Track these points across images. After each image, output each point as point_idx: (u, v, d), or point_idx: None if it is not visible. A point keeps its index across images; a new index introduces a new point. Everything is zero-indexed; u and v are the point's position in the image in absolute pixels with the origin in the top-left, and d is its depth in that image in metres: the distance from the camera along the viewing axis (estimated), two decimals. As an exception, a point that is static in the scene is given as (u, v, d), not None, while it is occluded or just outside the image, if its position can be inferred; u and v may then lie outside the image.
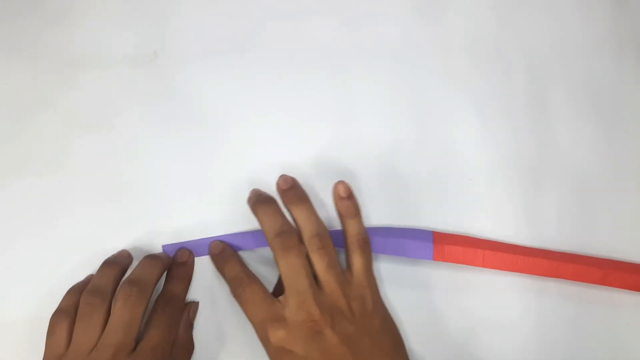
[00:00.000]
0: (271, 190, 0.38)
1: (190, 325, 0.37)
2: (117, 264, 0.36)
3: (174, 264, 0.38)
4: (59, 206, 0.40)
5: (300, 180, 0.38)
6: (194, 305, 0.37)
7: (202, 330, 0.37)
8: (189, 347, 0.36)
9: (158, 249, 0.39)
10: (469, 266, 0.37)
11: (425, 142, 0.42)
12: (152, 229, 0.39)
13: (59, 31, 0.43)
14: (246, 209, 0.37)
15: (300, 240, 0.34)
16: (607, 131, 0.43)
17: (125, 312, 0.32)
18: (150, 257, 0.36)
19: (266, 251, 0.38)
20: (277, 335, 0.31)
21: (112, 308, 0.33)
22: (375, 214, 0.40)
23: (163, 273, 0.36)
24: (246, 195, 0.38)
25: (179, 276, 0.37)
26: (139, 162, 0.41)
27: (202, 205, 0.40)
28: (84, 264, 0.38)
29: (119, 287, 0.34)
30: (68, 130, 0.41)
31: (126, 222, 0.40)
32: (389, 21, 0.45)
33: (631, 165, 0.42)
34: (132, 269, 0.36)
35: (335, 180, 0.37)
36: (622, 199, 0.41)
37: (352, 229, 0.35)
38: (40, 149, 0.41)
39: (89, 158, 0.41)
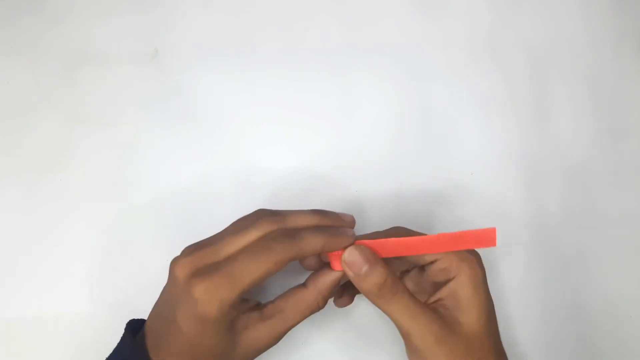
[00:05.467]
0: (272, 188, 0.37)
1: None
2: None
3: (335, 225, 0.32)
4: (61, 204, 0.40)
5: (301, 179, 0.38)
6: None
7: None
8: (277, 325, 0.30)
9: (159, 250, 0.39)
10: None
11: (427, 137, 0.42)
12: (152, 229, 0.39)
13: (60, 30, 0.43)
14: (247, 207, 0.37)
15: None
16: (607, 124, 0.43)
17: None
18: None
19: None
20: None
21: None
22: (376, 211, 0.40)
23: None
24: (246, 194, 0.38)
25: (326, 232, 0.30)
26: (140, 159, 0.41)
27: (203, 203, 0.40)
28: (86, 262, 0.38)
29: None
30: (70, 129, 0.41)
31: (128, 222, 0.39)
32: (389, 19, 0.45)
33: (631, 158, 0.42)
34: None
35: (336, 177, 0.37)
36: (622, 191, 0.42)
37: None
38: (41, 147, 0.41)
39: (90, 156, 0.41)
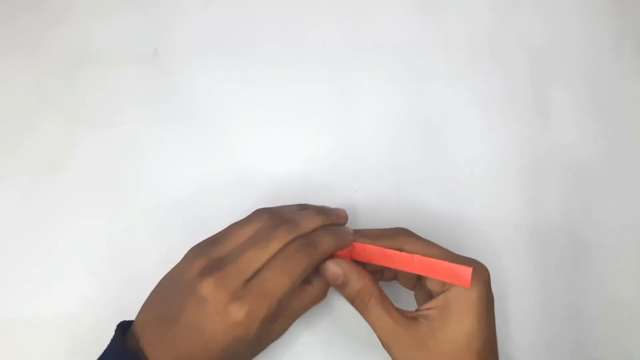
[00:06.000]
0: (271, 188, 0.37)
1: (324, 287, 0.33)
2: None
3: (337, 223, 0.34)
4: (61, 204, 0.40)
5: (301, 179, 0.38)
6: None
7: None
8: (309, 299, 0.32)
9: (159, 250, 0.39)
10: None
11: (427, 137, 0.42)
12: (152, 229, 0.39)
13: (60, 30, 0.43)
14: (247, 207, 0.37)
15: None
16: (607, 124, 0.43)
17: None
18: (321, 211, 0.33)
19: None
20: None
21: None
22: (375, 210, 0.40)
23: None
24: (246, 194, 0.38)
25: (335, 233, 0.32)
26: (140, 159, 0.41)
27: (203, 203, 0.40)
28: (86, 262, 0.38)
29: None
30: (70, 129, 0.41)
31: (127, 222, 0.39)
32: (389, 19, 0.45)
33: (631, 157, 0.42)
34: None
35: (336, 177, 0.37)
36: (622, 192, 0.42)
37: None
38: (41, 147, 0.41)
39: (90, 156, 0.41)
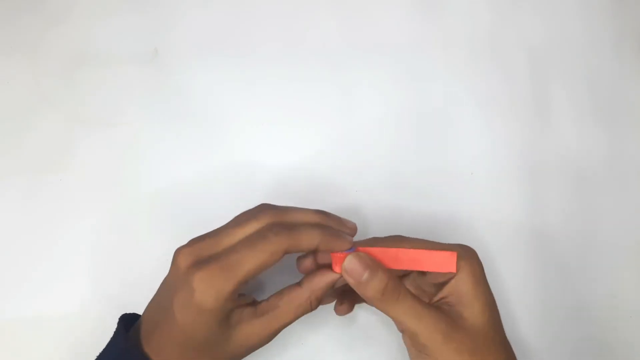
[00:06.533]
0: (271, 188, 0.37)
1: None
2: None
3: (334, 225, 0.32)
4: (61, 204, 0.40)
5: (300, 179, 0.38)
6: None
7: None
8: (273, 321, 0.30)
9: (159, 249, 0.38)
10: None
11: (427, 137, 0.42)
12: (152, 228, 0.39)
13: (60, 30, 0.44)
14: (247, 207, 0.37)
15: None
16: (606, 124, 0.43)
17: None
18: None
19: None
20: None
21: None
22: (375, 210, 0.40)
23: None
24: (246, 194, 0.38)
25: (325, 231, 0.30)
26: (140, 159, 0.41)
27: (203, 203, 0.40)
28: (86, 262, 0.38)
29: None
30: (70, 129, 0.41)
31: (127, 221, 0.39)
32: (389, 19, 0.45)
33: (631, 157, 0.42)
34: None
35: (336, 177, 0.37)
36: (622, 191, 0.42)
37: None
38: (41, 147, 0.41)
39: (90, 156, 0.41)
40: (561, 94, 0.44)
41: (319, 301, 0.31)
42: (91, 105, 0.42)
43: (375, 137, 0.42)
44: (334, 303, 0.36)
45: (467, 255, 0.31)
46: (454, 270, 0.30)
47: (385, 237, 0.33)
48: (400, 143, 0.42)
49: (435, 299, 0.31)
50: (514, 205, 0.41)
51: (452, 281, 0.31)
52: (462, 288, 0.30)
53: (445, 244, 0.32)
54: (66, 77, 0.42)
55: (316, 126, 0.42)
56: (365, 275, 0.29)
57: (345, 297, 0.36)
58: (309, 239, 0.29)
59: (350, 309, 0.36)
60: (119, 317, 0.31)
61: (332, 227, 0.31)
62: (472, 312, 0.30)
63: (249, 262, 0.28)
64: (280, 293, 0.31)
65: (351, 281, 0.30)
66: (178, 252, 0.29)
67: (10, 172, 0.40)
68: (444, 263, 0.30)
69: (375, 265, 0.30)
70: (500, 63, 0.44)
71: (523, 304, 0.39)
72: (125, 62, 0.43)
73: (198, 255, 0.28)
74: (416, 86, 0.43)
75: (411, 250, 0.30)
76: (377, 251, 0.31)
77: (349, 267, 0.30)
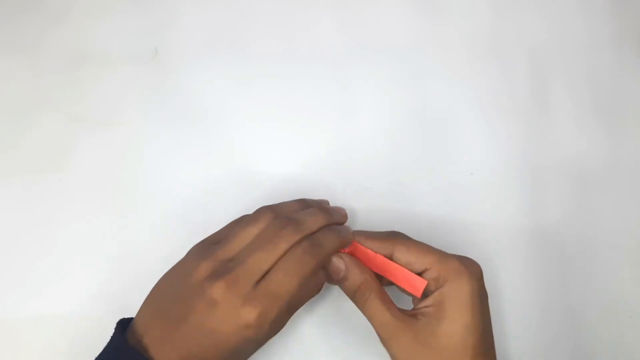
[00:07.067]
0: (271, 187, 0.37)
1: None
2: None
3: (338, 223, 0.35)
4: (60, 204, 0.40)
5: (301, 177, 0.38)
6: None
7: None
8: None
9: (159, 249, 0.39)
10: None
11: (427, 137, 0.42)
12: (152, 228, 0.39)
13: (59, 29, 0.43)
14: (246, 206, 0.37)
15: None
16: (607, 123, 0.43)
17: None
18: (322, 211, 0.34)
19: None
20: None
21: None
22: (375, 210, 0.40)
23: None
24: (246, 193, 0.38)
25: (339, 233, 0.33)
26: (140, 159, 0.41)
27: (202, 203, 0.40)
28: (86, 262, 0.38)
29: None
30: (69, 128, 0.41)
31: (127, 221, 0.39)
32: (389, 18, 0.45)
33: (631, 156, 0.42)
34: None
35: (336, 177, 0.37)
36: (623, 191, 0.42)
37: None
38: (41, 146, 0.41)
39: (90, 156, 0.41)
40: (561, 93, 0.44)
41: (322, 285, 0.34)
42: (91, 105, 0.42)
43: (375, 137, 0.42)
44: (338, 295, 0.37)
45: (461, 270, 0.30)
46: (418, 295, 0.32)
47: (385, 232, 0.34)
48: (400, 143, 0.42)
49: (419, 305, 0.31)
50: (514, 206, 0.41)
51: (436, 293, 0.30)
52: (444, 303, 0.30)
53: (449, 255, 0.31)
54: (66, 76, 0.42)
55: (316, 126, 0.42)
56: (342, 273, 0.32)
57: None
58: (332, 249, 0.32)
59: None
60: (116, 321, 0.31)
61: (336, 222, 0.34)
62: (446, 330, 0.29)
63: (292, 288, 0.29)
64: None
65: (333, 276, 0.33)
66: (211, 283, 0.29)
67: (10, 171, 0.40)
68: (414, 285, 0.32)
69: (352, 265, 0.32)
70: (501, 63, 0.44)
71: (523, 304, 0.39)
72: (125, 61, 0.43)
73: (240, 289, 0.28)
74: (416, 86, 0.43)
75: (389, 262, 0.32)
76: (361, 251, 0.33)
77: (332, 266, 0.32)
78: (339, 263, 0.32)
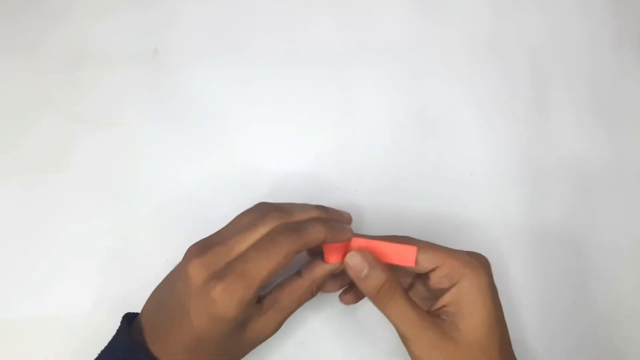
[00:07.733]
0: (271, 187, 0.37)
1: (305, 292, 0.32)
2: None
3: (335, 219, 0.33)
4: (60, 204, 0.40)
5: (300, 178, 0.38)
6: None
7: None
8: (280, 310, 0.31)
9: (159, 249, 0.39)
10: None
11: (427, 137, 0.42)
12: (152, 228, 0.39)
13: (59, 29, 0.43)
14: (247, 206, 0.37)
15: None
16: (607, 123, 0.43)
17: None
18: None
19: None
20: None
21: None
22: (375, 210, 0.40)
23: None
24: (246, 193, 0.38)
25: (328, 225, 0.31)
26: (140, 159, 0.41)
27: (203, 202, 0.40)
28: (86, 262, 0.38)
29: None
30: (69, 128, 0.41)
31: (127, 221, 0.39)
32: (389, 18, 0.45)
33: (632, 156, 0.42)
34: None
35: (336, 177, 0.37)
36: (623, 190, 0.42)
37: None
38: (41, 146, 0.41)
39: (90, 156, 0.41)
40: (561, 93, 0.44)
41: (319, 289, 0.32)
42: (91, 105, 0.42)
43: (376, 137, 0.42)
44: (337, 293, 0.36)
45: (474, 264, 0.30)
46: (412, 264, 0.31)
47: (392, 236, 0.33)
48: (400, 143, 0.42)
49: (435, 307, 0.31)
50: (514, 205, 0.41)
51: (453, 289, 0.30)
52: (462, 298, 0.30)
53: (457, 250, 0.31)
54: (66, 76, 0.42)
55: (316, 126, 0.42)
56: (365, 271, 0.30)
57: (352, 287, 0.36)
58: (316, 236, 0.30)
59: (356, 300, 0.36)
60: (116, 321, 0.31)
61: (333, 219, 0.32)
62: (469, 325, 0.29)
63: (264, 268, 0.28)
64: (282, 285, 0.32)
65: (353, 275, 0.31)
66: (189, 263, 0.29)
67: (10, 171, 0.40)
68: (405, 257, 0.31)
69: (374, 262, 0.30)
70: (501, 63, 0.44)
71: (523, 304, 0.39)
72: (125, 61, 0.43)
73: (211, 265, 0.29)
74: (416, 86, 0.43)
75: (376, 242, 0.31)
76: (349, 241, 0.32)
77: (352, 263, 0.31)
78: (360, 260, 0.30)
